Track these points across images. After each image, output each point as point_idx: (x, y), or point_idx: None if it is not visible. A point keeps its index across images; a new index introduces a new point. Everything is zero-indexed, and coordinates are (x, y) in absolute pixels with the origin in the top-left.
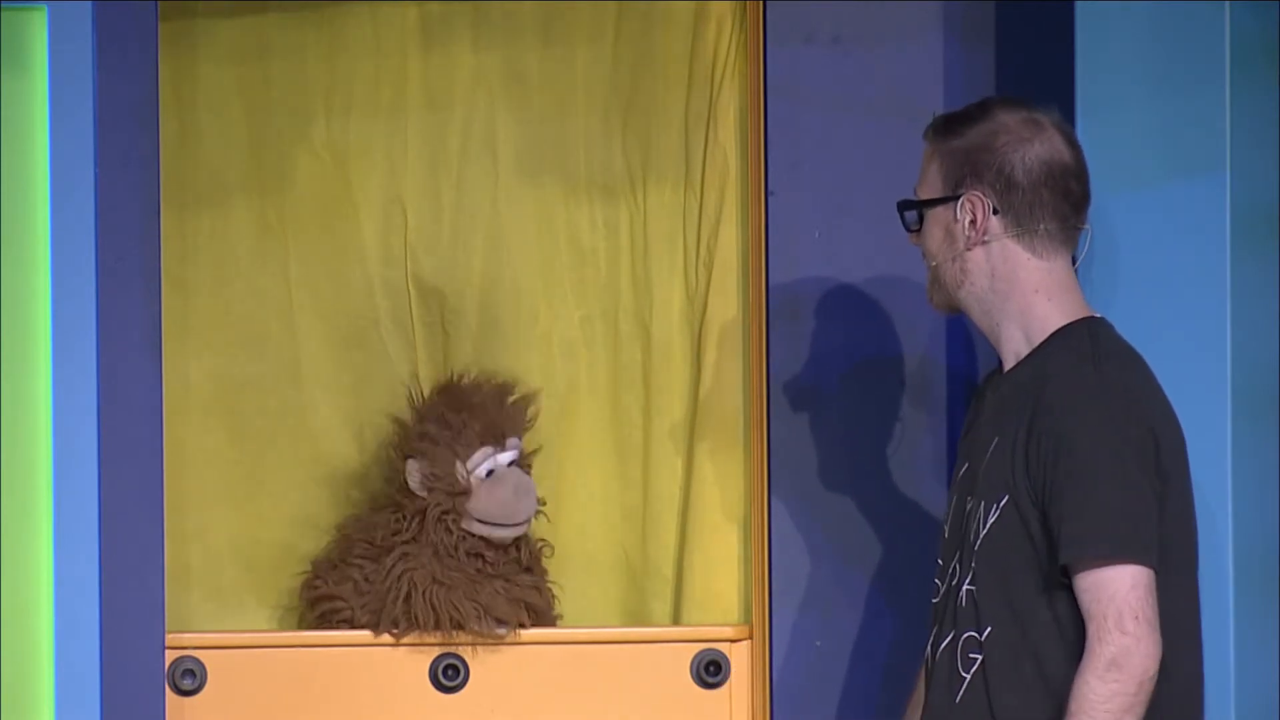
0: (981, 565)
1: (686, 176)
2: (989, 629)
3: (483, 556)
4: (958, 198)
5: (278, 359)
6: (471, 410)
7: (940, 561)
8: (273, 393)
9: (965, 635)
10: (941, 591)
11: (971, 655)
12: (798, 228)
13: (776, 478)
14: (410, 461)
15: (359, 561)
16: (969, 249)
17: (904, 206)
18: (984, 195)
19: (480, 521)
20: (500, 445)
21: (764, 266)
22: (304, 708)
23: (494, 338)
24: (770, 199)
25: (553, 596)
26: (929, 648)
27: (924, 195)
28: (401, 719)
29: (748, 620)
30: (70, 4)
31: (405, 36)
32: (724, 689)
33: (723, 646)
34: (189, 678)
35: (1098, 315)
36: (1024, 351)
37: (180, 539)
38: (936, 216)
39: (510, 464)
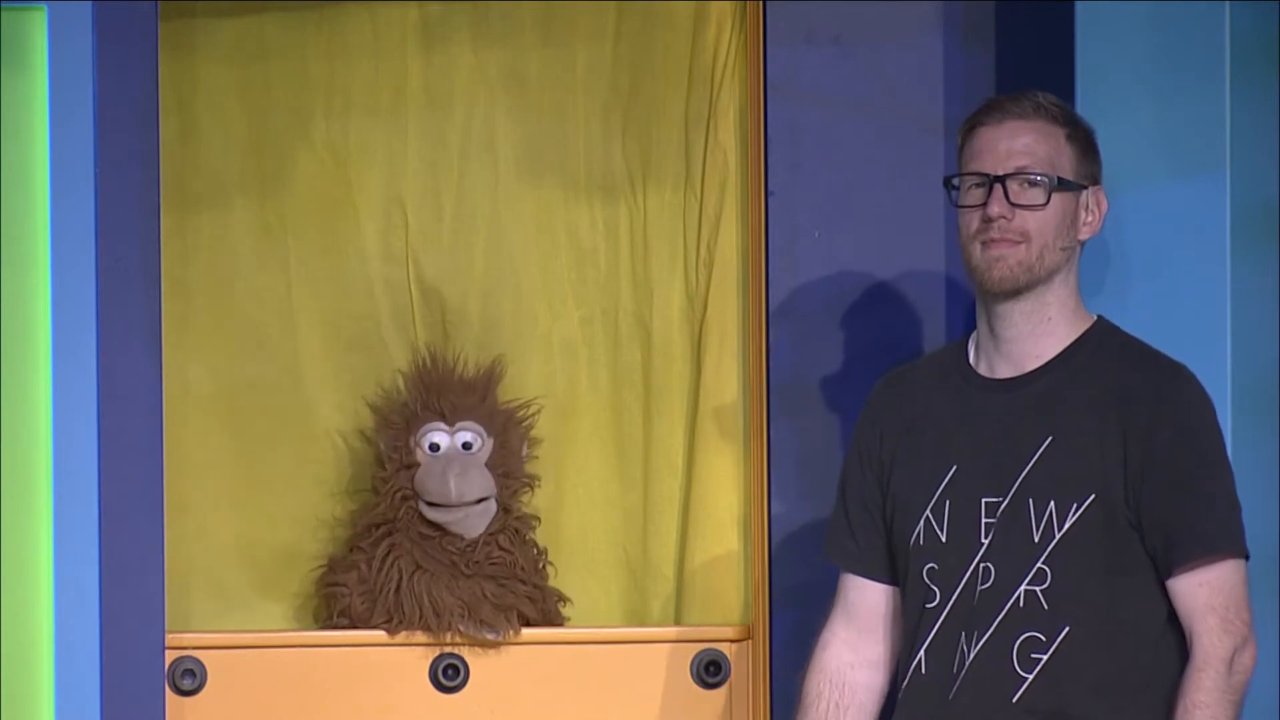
0: (1057, 565)
1: (686, 176)
2: (1065, 629)
3: (440, 544)
4: (1086, 188)
5: (278, 359)
6: (430, 387)
7: (935, 565)
8: (273, 393)
9: (1024, 636)
10: (947, 594)
11: (1034, 655)
12: (798, 228)
13: (776, 478)
14: (383, 437)
15: (362, 547)
16: (1081, 242)
17: (1049, 179)
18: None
19: (426, 503)
20: (450, 422)
21: (764, 266)
22: (304, 708)
23: (494, 338)
24: (770, 199)
25: (564, 601)
26: (923, 652)
27: (1062, 174)
28: (401, 719)
29: (748, 620)
30: (70, 4)
31: (405, 36)
32: (724, 689)
33: (723, 646)
34: (189, 678)
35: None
36: (1052, 350)
37: (181, 539)
38: (1063, 199)
39: (464, 446)
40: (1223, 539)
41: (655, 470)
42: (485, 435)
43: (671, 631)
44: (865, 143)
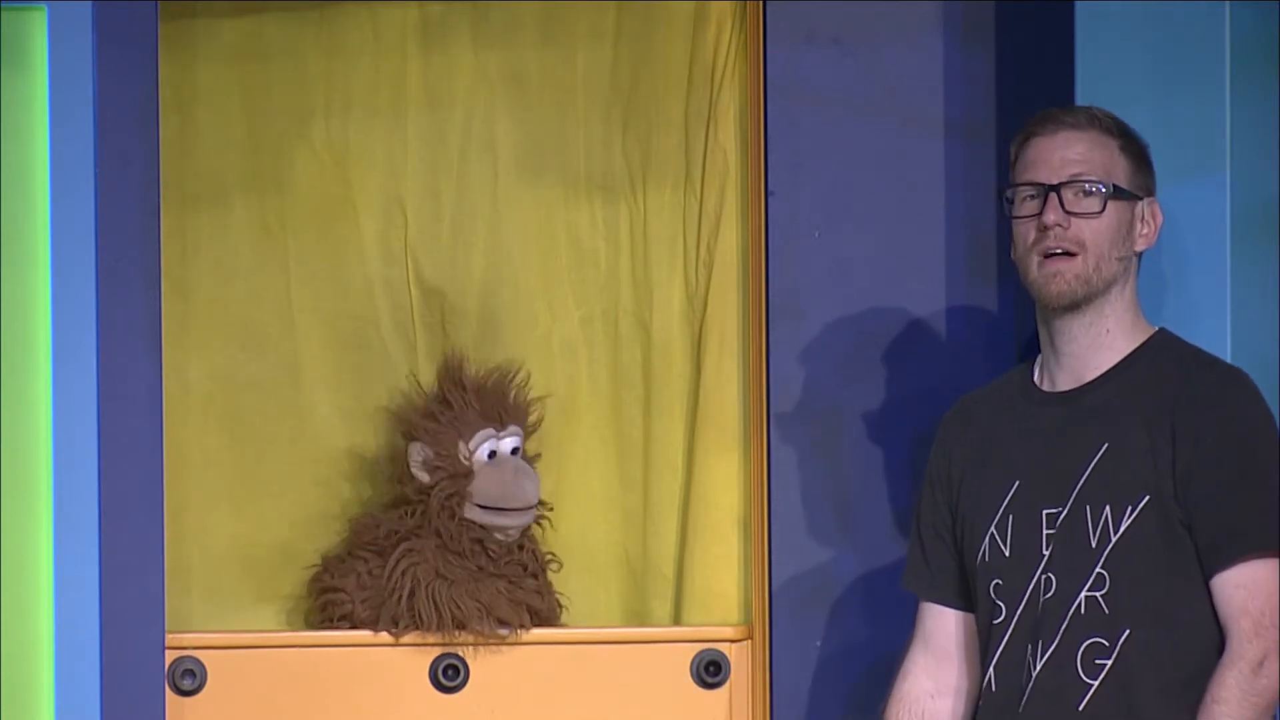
0: (1115, 569)
1: (686, 176)
2: (1126, 632)
3: (485, 551)
4: (1141, 199)
5: (278, 359)
6: (474, 392)
7: (1000, 581)
8: (272, 393)
9: (1088, 642)
10: (1012, 608)
11: (1099, 662)
12: (798, 228)
13: (776, 477)
14: (412, 445)
15: (364, 554)
16: (1137, 253)
17: (1106, 187)
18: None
19: (481, 508)
20: (501, 427)
21: (764, 266)
22: (304, 708)
23: (494, 338)
24: (770, 199)
25: (560, 607)
26: (993, 669)
27: (1118, 183)
28: (401, 719)
29: (748, 620)
30: (70, 4)
31: (405, 36)
32: (724, 689)
33: (723, 646)
34: (189, 678)
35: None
36: (1110, 361)
37: (180, 539)
38: (1119, 209)
39: (513, 451)
40: (1264, 542)
41: (655, 470)
42: (522, 438)
43: (671, 631)
44: (865, 143)
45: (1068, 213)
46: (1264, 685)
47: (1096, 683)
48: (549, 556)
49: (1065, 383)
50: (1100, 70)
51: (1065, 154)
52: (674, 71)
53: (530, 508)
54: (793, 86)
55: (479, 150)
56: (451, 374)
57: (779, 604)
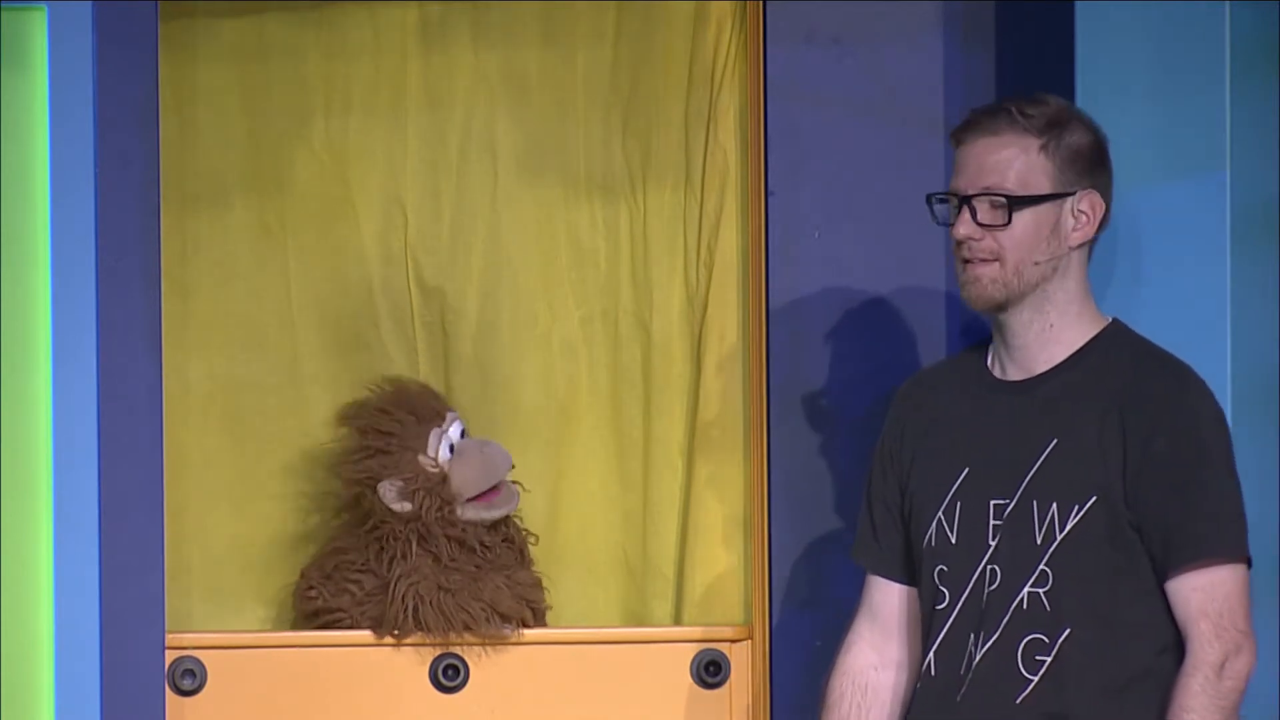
0: (1059, 567)
1: (686, 176)
2: (1067, 630)
3: (481, 544)
4: (1070, 194)
5: (277, 359)
6: (396, 406)
7: (945, 567)
8: (272, 393)
9: (1029, 638)
10: (956, 596)
11: (1039, 657)
12: (798, 228)
13: (776, 477)
14: (380, 485)
15: (356, 576)
16: (1073, 248)
17: (1010, 199)
18: (1100, 195)
19: (472, 500)
20: (441, 420)
21: (764, 266)
22: (304, 708)
23: (494, 338)
24: (770, 199)
25: (544, 590)
26: (933, 654)
27: (1025, 191)
28: (401, 719)
29: (748, 620)
30: (70, 4)
31: (405, 36)
32: (724, 689)
33: (723, 646)
34: (189, 678)
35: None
36: (1061, 355)
37: (180, 539)
38: (1035, 214)
39: (462, 434)
40: (1219, 544)
41: (655, 470)
42: (460, 419)
43: (671, 631)
44: (865, 143)
45: (979, 224)
46: (1229, 687)
47: (1036, 678)
48: (528, 534)
49: (1016, 374)
50: (1100, 70)
51: (981, 162)
52: (674, 71)
53: (510, 472)
54: (793, 86)
55: (479, 150)
56: (362, 414)
57: (779, 604)
